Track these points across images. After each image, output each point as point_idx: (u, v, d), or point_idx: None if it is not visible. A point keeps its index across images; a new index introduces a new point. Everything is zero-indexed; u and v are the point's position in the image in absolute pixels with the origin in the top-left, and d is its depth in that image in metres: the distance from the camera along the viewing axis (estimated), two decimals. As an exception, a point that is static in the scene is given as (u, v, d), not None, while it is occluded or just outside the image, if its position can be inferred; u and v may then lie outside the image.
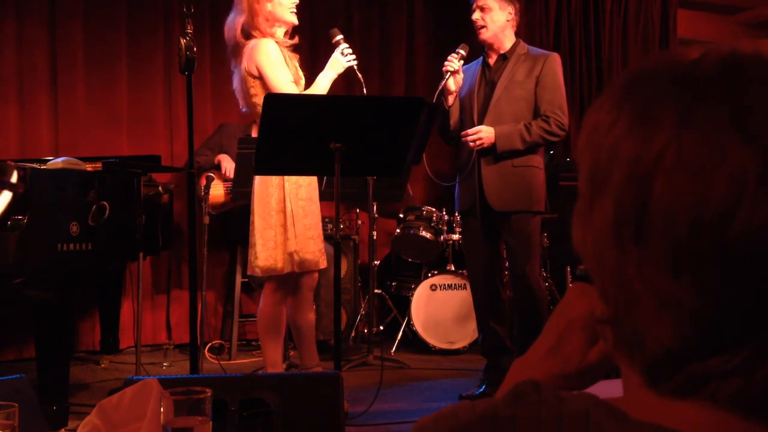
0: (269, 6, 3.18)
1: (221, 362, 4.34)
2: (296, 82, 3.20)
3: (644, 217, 0.49)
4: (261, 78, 3.14)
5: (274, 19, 3.20)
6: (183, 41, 2.70)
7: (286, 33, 3.28)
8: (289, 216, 3.16)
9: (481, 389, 3.52)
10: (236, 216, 4.60)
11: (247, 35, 3.18)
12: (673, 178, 0.47)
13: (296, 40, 3.29)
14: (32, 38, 4.63)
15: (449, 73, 3.40)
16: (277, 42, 3.17)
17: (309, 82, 3.26)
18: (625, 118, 0.52)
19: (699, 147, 0.47)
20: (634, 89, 0.53)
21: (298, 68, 3.28)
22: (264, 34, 3.17)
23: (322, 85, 3.17)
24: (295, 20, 3.26)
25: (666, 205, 0.48)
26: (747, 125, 0.46)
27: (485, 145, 3.35)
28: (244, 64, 3.16)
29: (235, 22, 3.20)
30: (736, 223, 0.45)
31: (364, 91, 3.16)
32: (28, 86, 4.63)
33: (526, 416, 0.51)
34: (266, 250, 3.16)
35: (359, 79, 3.17)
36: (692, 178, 0.47)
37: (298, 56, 3.30)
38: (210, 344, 4.61)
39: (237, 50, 3.22)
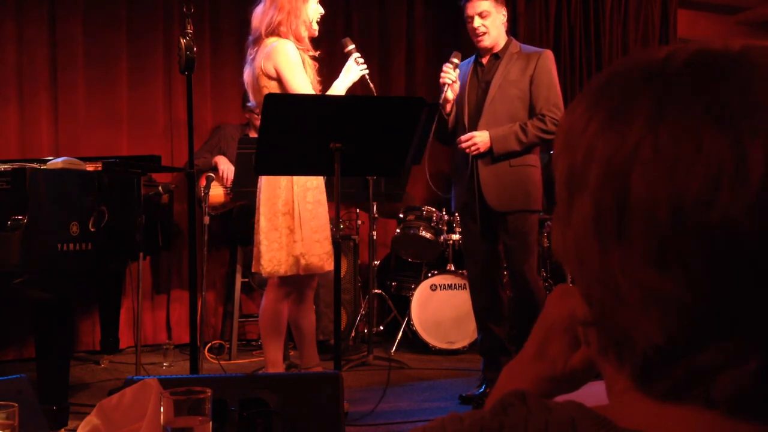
0: (306, 9, 3.18)
1: (221, 362, 4.34)
2: (314, 90, 3.18)
3: (624, 212, 0.49)
4: (278, 80, 3.13)
5: (308, 24, 3.20)
6: (183, 41, 2.70)
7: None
8: (296, 219, 3.15)
9: (482, 389, 3.52)
10: (236, 216, 4.61)
11: (273, 32, 3.16)
12: (650, 171, 0.47)
13: (317, 52, 3.27)
14: (32, 38, 4.62)
15: (447, 85, 3.37)
16: (299, 48, 3.16)
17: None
18: (598, 117, 0.52)
19: (674, 139, 0.47)
20: (607, 89, 0.53)
21: (316, 76, 3.25)
22: (288, 35, 3.14)
23: (339, 91, 3.17)
24: (316, 31, 3.27)
25: (645, 198, 0.47)
26: (721, 115, 0.46)
27: (481, 151, 3.33)
28: (260, 61, 3.15)
29: (264, 15, 3.17)
30: (715, 213, 0.45)
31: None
32: (28, 86, 4.63)
33: (513, 427, 0.51)
34: (270, 252, 3.15)
35: (371, 87, 3.18)
36: (669, 170, 0.47)
37: (317, 65, 3.28)
38: (210, 344, 4.61)
39: (257, 42, 3.20)
